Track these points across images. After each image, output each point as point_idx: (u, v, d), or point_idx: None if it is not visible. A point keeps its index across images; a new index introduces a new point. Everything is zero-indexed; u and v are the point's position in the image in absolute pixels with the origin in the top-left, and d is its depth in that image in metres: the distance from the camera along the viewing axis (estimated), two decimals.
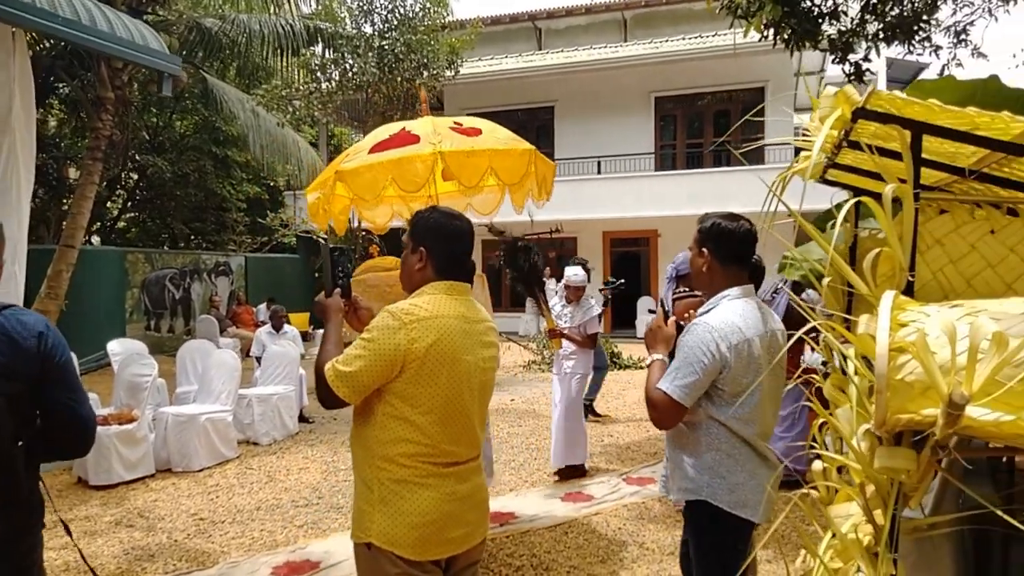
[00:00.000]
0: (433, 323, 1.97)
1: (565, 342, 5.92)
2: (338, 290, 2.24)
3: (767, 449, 2.30)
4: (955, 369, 1.34)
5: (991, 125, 1.60)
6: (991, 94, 2.97)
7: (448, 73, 11.90)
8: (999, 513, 1.42)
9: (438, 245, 2.08)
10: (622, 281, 9.61)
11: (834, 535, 1.99)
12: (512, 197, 4.45)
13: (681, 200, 15.50)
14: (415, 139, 4.00)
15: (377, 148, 4.05)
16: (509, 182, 4.20)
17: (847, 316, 2.07)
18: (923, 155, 1.88)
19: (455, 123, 4.23)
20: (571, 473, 5.81)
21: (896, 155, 1.78)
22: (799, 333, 1.99)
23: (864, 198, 1.86)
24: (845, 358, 1.87)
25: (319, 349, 2.08)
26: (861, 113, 1.70)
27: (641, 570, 3.97)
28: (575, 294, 6.09)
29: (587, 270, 6.82)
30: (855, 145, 1.98)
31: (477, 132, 4.19)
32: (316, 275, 18.41)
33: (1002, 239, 1.74)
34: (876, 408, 1.47)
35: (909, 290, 1.69)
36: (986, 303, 1.50)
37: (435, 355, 1.96)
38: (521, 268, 5.64)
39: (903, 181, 1.69)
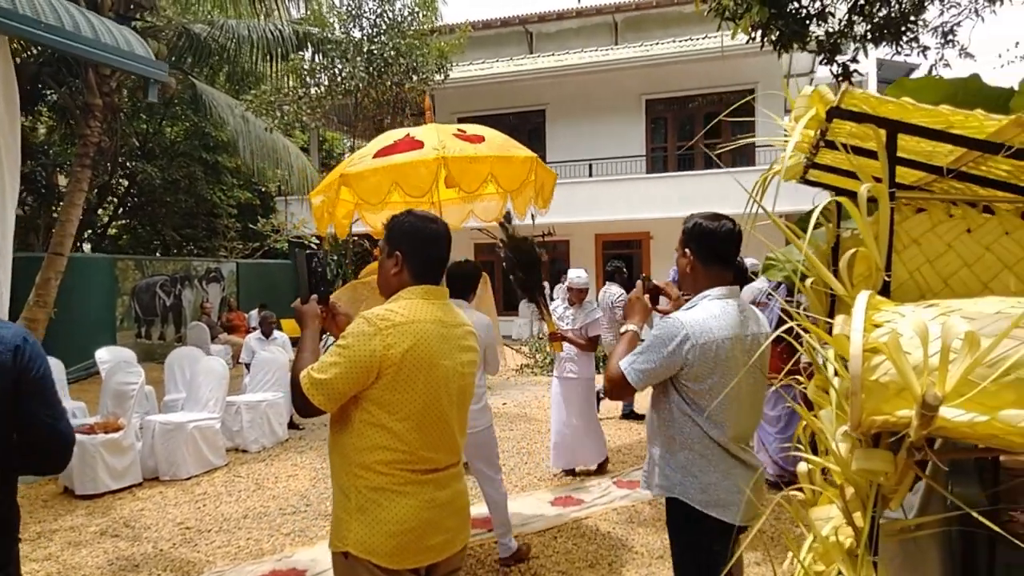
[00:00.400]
0: (409, 328, 1.95)
1: (566, 345, 5.91)
2: (315, 296, 2.21)
3: (743, 450, 2.28)
4: (928, 370, 1.32)
5: (965, 123, 1.59)
6: (972, 93, 2.96)
7: (438, 77, 11.89)
8: (974, 515, 1.41)
9: (414, 249, 2.06)
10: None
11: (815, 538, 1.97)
12: (514, 203, 4.49)
13: (672, 202, 15.50)
14: (419, 145, 4.06)
15: (382, 153, 4.10)
16: (508, 189, 4.25)
17: (828, 319, 2.06)
18: (902, 154, 1.87)
19: (459, 130, 4.28)
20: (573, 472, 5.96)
21: (874, 154, 1.77)
22: (775, 333, 1.98)
23: (840, 198, 1.85)
24: (825, 360, 1.86)
25: (295, 356, 2.06)
26: (836, 112, 1.69)
27: (629, 574, 3.95)
28: (577, 296, 6.08)
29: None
30: (835, 145, 1.97)
31: (480, 139, 4.25)
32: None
33: (978, 238, 1.73)
34: (851, 409, 1.46)
35: (886, 290, 1.68)
36: (961, 303, 1.49)
37: (411, 360, 1.93)
38: (522, 267, 5.62)
39: (881, 180, 1.68)
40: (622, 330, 2.44)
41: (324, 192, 4.35)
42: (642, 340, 2.36)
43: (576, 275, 6.14)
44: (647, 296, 2.52)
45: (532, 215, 4.72)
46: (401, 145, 4.11)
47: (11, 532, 1.93)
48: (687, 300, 2.44)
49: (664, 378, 2.25)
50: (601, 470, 6.04)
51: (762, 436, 5.63)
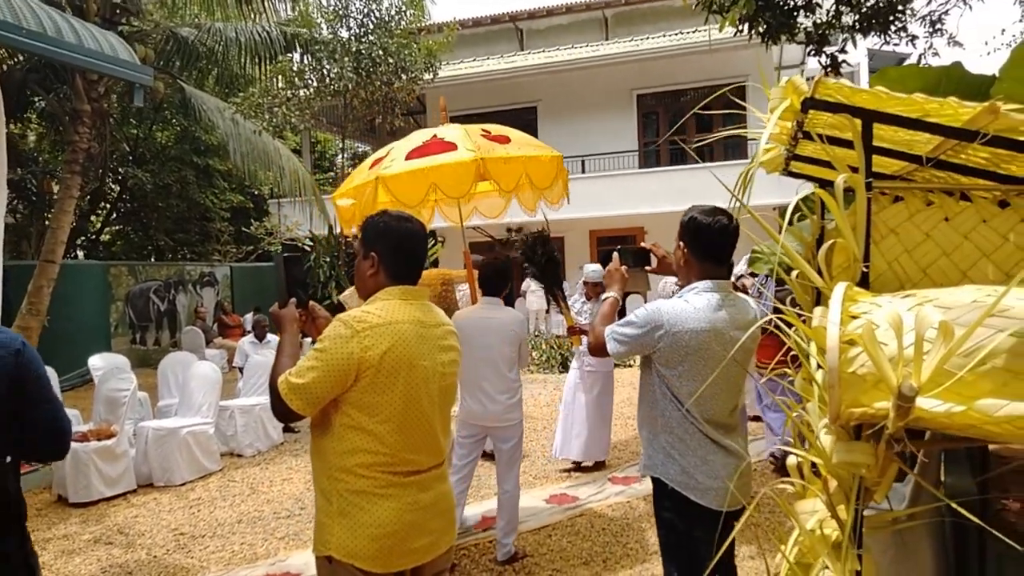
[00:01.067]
0: (387, 329, 1.93)
1: (585, 339, 5.91)
2: (293, 300, 2.19)
3: (724, 437, 2.31)
4: (903, 360, 1.31)
5: (940, 111, 1.57)
6: (955, 81, 2.94)
7: (427, 76, 11.85)
8: (954, 506, 1.40)
9: (389, 249, 2.04)
10: None
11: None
12: (519, 200, 4.57)
13: (666, 196, 15.49)
14: (452, 146, 4.13)
15: (413, 155, 4.15)
16: (541, 187, 4.37)
17: (805, 311, 2.05)
18: (882, 144, 1.86)
19: (484, 130, 4.38)
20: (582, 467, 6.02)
21: (852, 144, 1.76)
22: (757, 324, 1.97)
23: (818, 189, 1.84)
24: (808, 352, 1.85)
25: (274, 361, 2.04)
26: (811, 103, 1.67)
27: (624, 571, 3.94)
28: (594, 291, 6.08)
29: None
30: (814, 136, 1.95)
31: (506, 139, 4.36)
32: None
33: (956, 227, 1.71)
34: (829, 402, 1.44)
35: (865, 281, 1.67)
36: (938, 292, 1.47)
37: (390, 362, 1.92)
38: (539, 264, 5.64)
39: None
40: (603, 296, 2.63)
41: (354, 195, 4.38)
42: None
43: (592, 269, 6.16)
44: (624, 268, 2.69)
45: (545, 214, 4.77)
46: (432, 147, 4.17)
47: (21, 514, 2.05)
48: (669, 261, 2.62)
49: (636, 354, 2.41)
50: (597, 467, 6.06)
51: (769, 421, 5.63)
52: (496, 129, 4.46)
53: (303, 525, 4.87)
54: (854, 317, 1.49)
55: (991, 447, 2.15)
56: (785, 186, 2.22)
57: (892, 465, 1.62)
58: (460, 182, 4.00)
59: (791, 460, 2.23)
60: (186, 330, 14.07)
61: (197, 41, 11.39)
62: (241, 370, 8.28)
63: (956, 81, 2.95)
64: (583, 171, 17.37)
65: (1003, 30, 18.12)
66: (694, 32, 16.35)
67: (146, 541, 4.69)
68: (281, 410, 1.92)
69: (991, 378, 1.28)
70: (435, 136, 4.26)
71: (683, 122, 17.44)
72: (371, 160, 4.50)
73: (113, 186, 17.28)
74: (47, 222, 12.18)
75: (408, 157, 4.11)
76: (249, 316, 14.69)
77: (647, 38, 17.36)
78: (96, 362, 7.86)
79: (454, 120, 4.72)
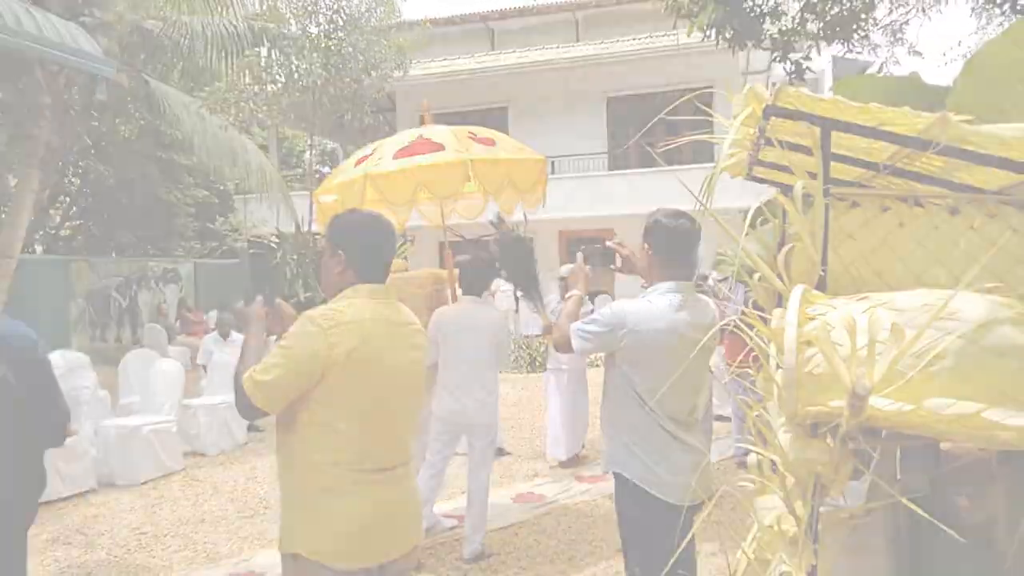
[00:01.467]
0: (354, 327, 1.93)
1: None
2: (259, 297, 2.18)
3: (685, 433, 2.38)
4: (857, 361, 1.36)
5: (895, 120, 1.63)
6: (912, 91, 3.04)
7: (397, 74, 11.81)
8: (904, 501, 1.45)
9: (356, 247, 2.04)
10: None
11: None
12: (498, 201, 4.63)
13: (635, 199, 15.63)
14: (439, 147, 4.19)
15: (401, 154, 4.20)
16: (524, 190, 4.45)
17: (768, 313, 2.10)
18: (840, 151, 1.91)
19: (470, 133, 4.45)
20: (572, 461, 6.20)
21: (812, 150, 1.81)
22: (718, 326, 2.01)
23: (779, 195, 1.89)
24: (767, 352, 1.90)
25: (239, 358, 2.02)
26: (771, 111, 1.72)
27: (589, 568, 3.99)
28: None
29: None
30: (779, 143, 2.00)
31: (492, 142, 4.44)
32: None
33: (909, 232, 1.77)
34: (787, 400, 1.49)
35: (823, 284, 1.72)
36: (892, 295, 1.53)
37: (357, 360, 1.92)
38: (516, 261, 5.68)
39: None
40: (567, 295, 2.74)
41: (339, 191, 4.38)
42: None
43: (566, 269, 6.23)
44: (588, 268, 2.81)
45: (524, 214, 4.81)
46: (419, 147, 4.22)
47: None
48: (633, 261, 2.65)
49: (600, 351, 2.50)
50: (572, 460, 6.19)
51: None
52: (481, 132, 4.55)
53: (267, 524, 4.83)
54: (811, 319, 1.53)
55: (943, 445, 2.23)
56: (753, 189, 2.28)
57: (847, 462, 1.67)
58: (449, 182, 4.08)
59: (752, 458, 2.28)
60: (148, 327, 13.83)
61: (162, 34, 11.20)
62: (205, 368, 8.16)
63: (914, 91, 3.04)
64: (553, 172, 17.41)
65: (960, 42, 18.57)
66: (664, 36, 16.52)
67: (106, 541, 4.61)
68: (245, 406, 1.92)
69: (940, 378, 1.33)
70: (421, 136, 4.31)
71: (652, 126, 17.60)
72: (356, 158, 4.53)
73: (74, 180, 16.87)
74: (4, 216, 11.88)
75: (395, 156, 4.16)
76: (213, 313, 14.48)
77: (618, 41, 17.50)
78: (55, 359, 7.64)
79: (424, 120, 4.74)
